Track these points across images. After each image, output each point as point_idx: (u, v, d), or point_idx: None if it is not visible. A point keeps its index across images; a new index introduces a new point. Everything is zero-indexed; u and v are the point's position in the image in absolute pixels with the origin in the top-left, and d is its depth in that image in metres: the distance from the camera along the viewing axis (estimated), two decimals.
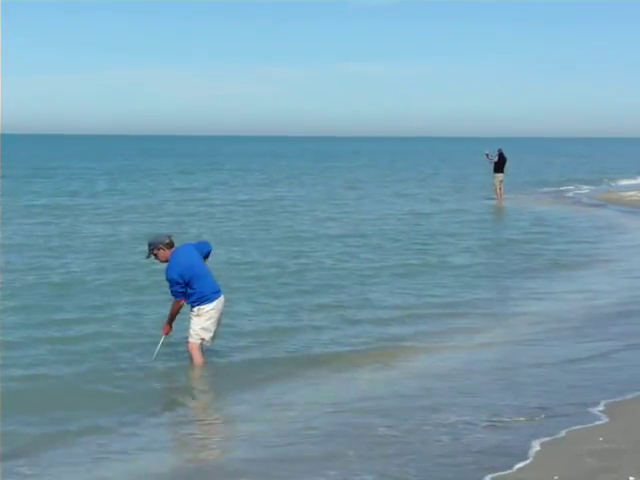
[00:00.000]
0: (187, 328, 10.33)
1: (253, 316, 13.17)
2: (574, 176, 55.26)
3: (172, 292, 10.09)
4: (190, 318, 10.26)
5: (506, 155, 35.86)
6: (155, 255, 10.23)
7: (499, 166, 35.65)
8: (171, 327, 10.33)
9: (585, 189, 43.91)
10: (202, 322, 10.20)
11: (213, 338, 10.41)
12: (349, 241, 22.28)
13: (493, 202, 34.97)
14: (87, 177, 50.55)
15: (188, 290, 10.05)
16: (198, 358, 10.33)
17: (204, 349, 10.41)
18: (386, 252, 20.38)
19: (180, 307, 10.15)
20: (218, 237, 22.04)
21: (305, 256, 19.46)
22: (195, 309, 10.19)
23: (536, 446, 7.74)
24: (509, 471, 7.14)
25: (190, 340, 10.31)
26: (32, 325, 12.28)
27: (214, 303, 10.26)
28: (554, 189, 43.37)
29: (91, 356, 10.83)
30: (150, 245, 10.26)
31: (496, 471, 7.13)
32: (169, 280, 10.07)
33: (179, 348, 10.79)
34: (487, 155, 36.11)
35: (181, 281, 9.99)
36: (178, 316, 10.35)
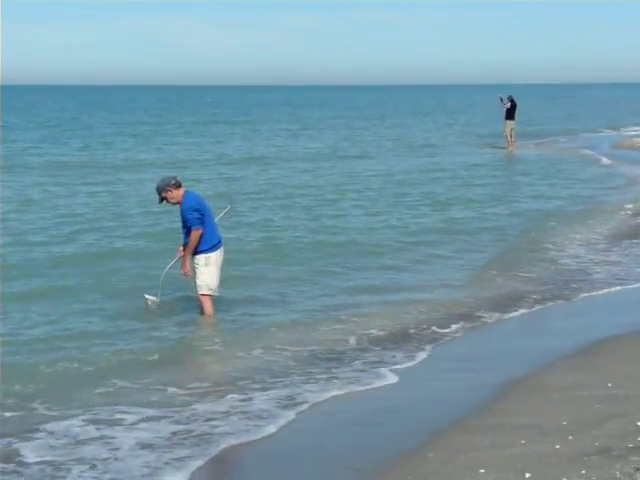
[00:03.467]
0: (195, 282, 10.39)
1: None
2: None
3: (191, 220, 10.15)
4: (197, 270, 10.31)
5: (517, 101, 35.45)
6: (165, 198, 10.32)
7: (510, 113, 35.20)
8: (188, 265, 10.30)
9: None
10: (211, 271, 10.30)
11: (219, 287, 10.51)
12: None
13: (503, 150, 34.71)
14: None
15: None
16: (210, 308, 10.44)
17: (214, 300, 10.51)
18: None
19: (199, 236, 10.16)
20: None
21: None
22: (203, 258, 10.27)
23: (545, 391, 7.80)
24: (515, 418, 7.21)
25: (201, 292, 10.40)
26: None
27: (219, 251, 10.42)
28: None
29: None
30: (158, 189, 10.34)
31: (502, 418, 7.21)
32: (186, 208, 10.17)
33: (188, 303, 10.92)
34: (501, 99, 35.55)
35: (198, 208, 10.17)
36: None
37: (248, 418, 7.44)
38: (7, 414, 7.46)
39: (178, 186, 10.28)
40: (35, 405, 7.66)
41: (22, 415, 7.47)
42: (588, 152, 33.29)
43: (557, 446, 6.45)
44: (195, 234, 10.17)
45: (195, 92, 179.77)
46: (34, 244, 14.83)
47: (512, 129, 35.38)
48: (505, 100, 35.30)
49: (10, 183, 23.16)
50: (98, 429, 7.17)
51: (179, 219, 10.44)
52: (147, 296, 10.84)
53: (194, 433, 7.12)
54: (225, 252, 10.59)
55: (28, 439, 6.95)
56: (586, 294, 11.87)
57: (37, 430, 7.13)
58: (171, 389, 8.13)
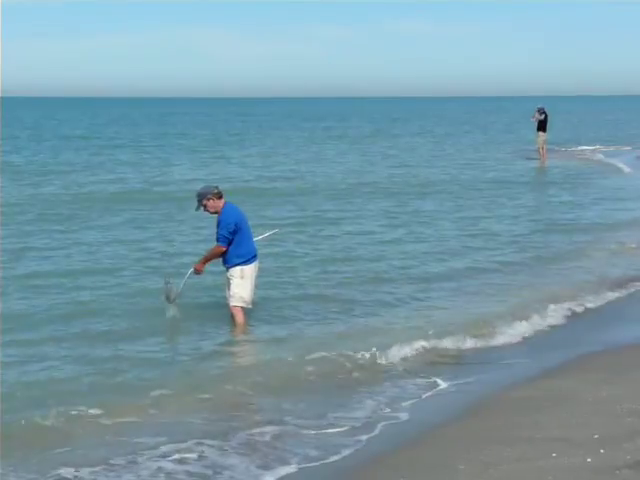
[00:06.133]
0: (228, 293, 10.49)
1: None
2: None
3: (220, 236, 10.24)
4: (231, 282, 10.40)
5: (548, 113, 35.01)
6: (205, 206, 10.40)
7: (543, 125, 34.70)
8: (203, 268, 10.51)
9: None
10: (245, 284, 10.36)
11: (252, 301, 10.58)
12: None
13: (535, 163, 34.21)
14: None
15: (235, 242, 10.22)
16: (241, 320, 10.51)
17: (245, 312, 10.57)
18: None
19: (220, 253, 10.30)
20: None
21: None
22: (239, 270, 10.33)
23: (576, 404, 7.76)
24: (546, 430, 7.18)
25: (234, 304, 10.47)
26: None
27: (254, 265, 10.49)
28: None
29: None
30: (199, 196, 10.43)
31: (533, 430, 7.19)
32: (223, 222, 10.24)
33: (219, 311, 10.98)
34: (538, 110, 34.86)
35: (233, 228, 10.22)
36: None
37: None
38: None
39: (219, 196, 10.37)
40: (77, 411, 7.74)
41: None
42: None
43: (588, 459, 6.42)
44: (216, 250, 10.31)
45: (226, 105, 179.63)
46: None
47: (544, 141, 34.99)
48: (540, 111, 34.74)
49: None
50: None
51: None
52: (168, 282, 10.74)
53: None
54: None
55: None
56: None
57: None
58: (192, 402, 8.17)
